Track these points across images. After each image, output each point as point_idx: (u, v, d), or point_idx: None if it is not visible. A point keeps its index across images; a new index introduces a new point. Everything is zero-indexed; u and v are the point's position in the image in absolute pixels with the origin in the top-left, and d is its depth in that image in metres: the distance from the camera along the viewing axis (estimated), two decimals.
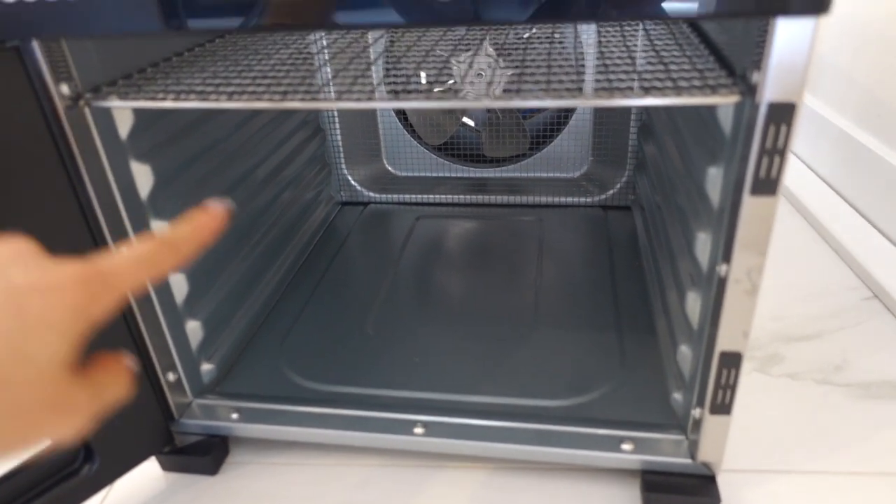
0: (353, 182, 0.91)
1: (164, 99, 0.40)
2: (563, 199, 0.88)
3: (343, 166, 0.90)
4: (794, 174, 0.95)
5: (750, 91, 0.34)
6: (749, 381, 0.59)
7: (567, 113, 0.86)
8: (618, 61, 0.42)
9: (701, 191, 0.43)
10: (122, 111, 0.46)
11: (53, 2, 0.34)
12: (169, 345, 0.51)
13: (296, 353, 0.62)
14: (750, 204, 0.36)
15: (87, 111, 0.42)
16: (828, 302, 0.69)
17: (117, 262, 0.24)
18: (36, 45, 0.38)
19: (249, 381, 0.59)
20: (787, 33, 0.31)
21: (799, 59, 0.32)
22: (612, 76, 0.39)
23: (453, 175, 0.92)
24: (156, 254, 0.25)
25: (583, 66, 0.43)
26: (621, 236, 0.80)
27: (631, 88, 0.36)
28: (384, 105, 0.39)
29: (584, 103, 0.36)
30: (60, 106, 0.40)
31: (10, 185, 0.39)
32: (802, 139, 0.98)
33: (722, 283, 0.39)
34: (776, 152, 0.34)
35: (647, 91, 0.35)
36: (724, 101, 0.35)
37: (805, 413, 0.56)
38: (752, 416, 0.55)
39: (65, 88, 0.40)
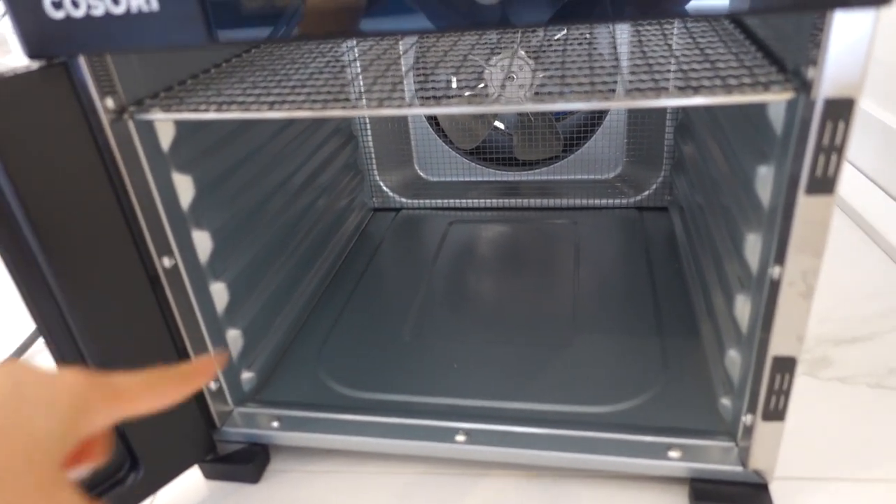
0: (385, 188, 0.91)
1: (206, 111, 0.41)
2: (597, 202, 0.86)
3: (375, 172, 0.90)
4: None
5: (805, 87, 0.33)
6: (798, 385, 0.57)
7: (601, 113, 0.85)
8: (661, 60, 0.41)
9: (750, 191, 0.42)
10: (164, 123, 0.46)
11: (100, 17, 0.35)
12: (211, 354, 0.52)
13: (334, 360, 0.62)
14: (805, 204, 0.35)
15: (130, 124, 0.42)
16: (879, 303, 0.67)
17: (127, 379, 0.25)
18: (82, 60, 0.38)
19: (289, 390, 0.59)
20: (845, 27, 0.30)
21: (858, 54, 0.31)
22: (656, 76, 0.38)
23: (485, 179, 0.91)
24: (163, 382, 0.26)
25: (617, 66, 0.42)
26: (658, 238, 0.78)
27: (677, 87, 0.35)
28: (420, 111, 0.39)
29: (628, 104, 0.35)
30: (105, 120, 0.41)
31: (63, 198, 0.39)
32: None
33: (775, 285, 0.38)
34: (833, 150, 0.33)
35: (695, 90, 0.35)
36: (778, 99, 0.34)
37: (858, 418, 0.54)
38: (802, 421, 0.54)
39: (110, 102, 0.41)
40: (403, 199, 0.92)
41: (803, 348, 0.62)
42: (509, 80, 0.78)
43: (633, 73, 0.39)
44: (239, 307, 0.56)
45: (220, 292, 0.53)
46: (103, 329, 0.43)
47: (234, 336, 0.55)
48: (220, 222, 0.53)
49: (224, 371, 0.54)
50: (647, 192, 0.84)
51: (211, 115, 0.40)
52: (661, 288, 0.68)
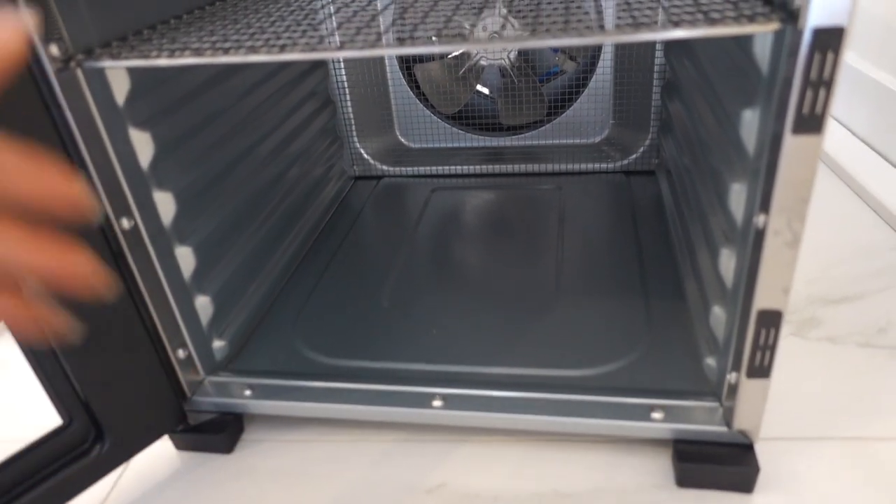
0: (365, 155, 0.89)
1: (157, 56, 0.38)
2: (583, 166, 0.84)
3: (355, 139, 0.88)
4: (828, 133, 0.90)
5: (791, 17, 0.31)
6: (786, 346, 0.56)
7: (586, 75, 0.82)
8: (649, 3, 0.39)
9: (735, 138, 0.40)
10: (118, 75, 0.43)
11: None
12: (178, 321, 0.50)
13: (310, 328, 0.60)
14: (792, 144, 0.33)
15: (79, 73, 0.40)
16: (869, 263, 0.65)
17: None
18: (22, 2, 0.36)
19: (263, 358, 0.57)
20: None
21: None
22: (636, 13, 0.36)
23: (469, 145, 0.89)
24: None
25: (602, 18, 0.39)
26: (645, 201, 0.76)
27: (655, 23, 0.33)
28: (389, 52, 0.37)
29: (608, 39, 0.33)
30: (51, 68, 0.38)
31: None
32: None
33: (760, 235, 0.36)
34: (822, 84, 0.31)
35: (676, 24, 0.32)
36: (763, 30, 0.31)
37: (847, 378, 0.52)
38: (790, 381, 0.52)
39: (54, 49, 0.38)
40: (385, 167, 0.89)
41: (792, 308, 0.60)
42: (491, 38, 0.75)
43: (619, 18, 0.37)
44: (208, 272, 0.54)
45: (186, 256, 0.50)
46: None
47: (203, 303, 0.53)
48: (184, 183, 0.51)
49: (193, 339, 0.52)
50: (634, 156, 0.82)
51: (163, 62, 0.38)
52: (646, 250, 0.66)
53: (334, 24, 0.45)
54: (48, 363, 0.42)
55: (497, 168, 0.87)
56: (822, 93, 0.31)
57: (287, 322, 0.61)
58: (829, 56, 0.30)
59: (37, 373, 0.43)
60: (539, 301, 0.61)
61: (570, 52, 0.83)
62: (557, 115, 0.85)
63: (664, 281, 0.61)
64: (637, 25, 0.33)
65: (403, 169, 0.89)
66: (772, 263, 0.37)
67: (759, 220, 0.36)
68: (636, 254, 0.66)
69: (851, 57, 0.89)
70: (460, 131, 0.88)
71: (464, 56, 0.83)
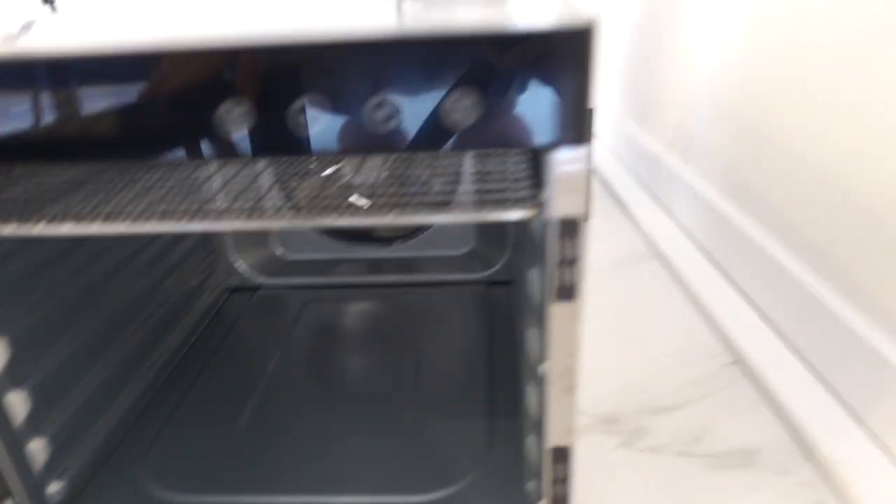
0: (242, 267, 0.91)
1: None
2: (451, 277, 0.90)
3: (231, 251, 0.90)
4: (671, 239, 1.00)
5: (543, 207, 0.37)
6: (614, 458, 0.61)
7: (452, 192, 0.88)
8: (450, 177, 0.45)
9: (526, 290, 0.45)
10: None
11: None
12: (6, 469, 0.49)
13: (164, 459, 0.60)
14: (555, 309, 0.38)
15: None
16: (693, 370, 0.72)
17: None
18: None
19: (108, 498, 0.56)
20: (563, 158, 0.34)
21: (578, 180, 0.35)
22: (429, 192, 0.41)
23: (344, 256, 0.93)
24: None
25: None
26: (505, 312, 0.82)
27: (429, 203, 0.38)
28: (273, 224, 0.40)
29: (378, 222, 0.38)
30: None
31: None
32: (681, 204, 1.05)
33: (544, 380, 0.41)
34: (569, 263, 0.37)
35: (441, 207, 0.38)
36: (518, 216, 0.37)
37: (664, 489, 0.57)
38: (615, 496, 0.57)
39: None
40: (262, 279, 0.91)
41: (623, 419, 0.66)
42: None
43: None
44: (48, 412, 0.53)
45: (18, 402, 0.50)
46: None
47: (38, 447, 0.52)
48: (25, 324, 0.51)
49: (24, 486, 0.50)
50: (496, 268, 0.88)
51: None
52: (497, 366, 0.71)
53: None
54: None
55: (372, 279, 0.90)
56: (571, 269, 0.37)
57: (139, 453, 0.61)
58: (571, 241, 0.36)
59: None
60: (395, 419, 0.63)
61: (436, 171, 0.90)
62: (426, 229, 0.90)
63: (509, 398, 0.65)
64: (411, 206, 0.38)
65: (280, 280, 0.91)
66: (555, 406, 0.41)
67: (543, 367, 0.41)
68: (488, 369, 0.70)
69: (688, 172, 1.01)
70: (336, 243, 0.92)
71: (337, 173, 0.88)
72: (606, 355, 0.76)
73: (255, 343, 0.79)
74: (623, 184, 1.18)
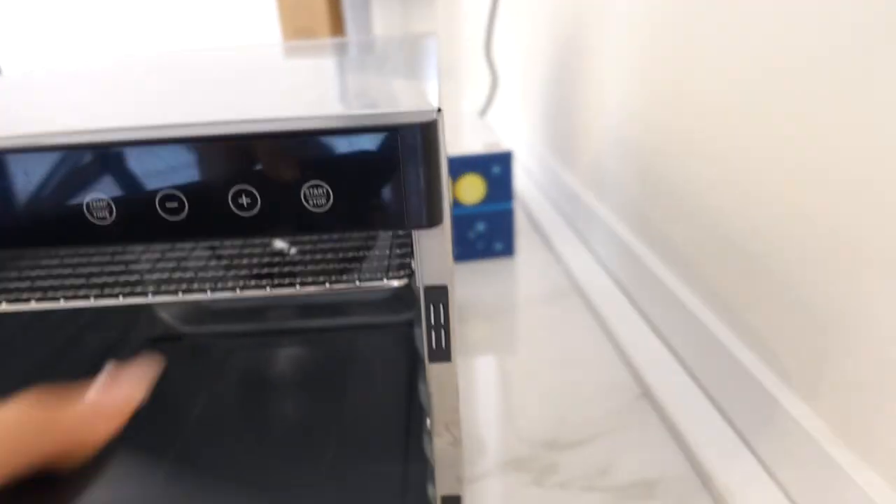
0: (165, 317, 0.90)
1: None
2: (377, 319, 0.91)
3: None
4: (591, 274, 1.04)
5: (413, 276, 0.39)
6: (525, 497, 0.63)
7: (372, 240, 0.91)
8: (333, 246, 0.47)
9: (417, 346, 0.48)
10: None
11: None
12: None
13: None
14: (432, 369, 0.41)
15: None
16: (603, 403, 0.75)
17: (65, 414, 0.28)
18: None
19: None
20: (424, 234, 0.37)
21: (440, 253, 0.37)
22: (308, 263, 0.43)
23: (271, 302, 0.94)
24: (98, 414, 0.28)
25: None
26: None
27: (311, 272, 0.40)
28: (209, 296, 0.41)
29: (274, 293, 0.39)
30: None
31: None
32: (598, 241, 1.09)
33: (431, 433, 0.43)
34: (440, 327, 0.39)
35: (323, 277, 0.40)
36: (391, 285, 0.39)
37: None
38: None
39: None
40: (186, 328, 0.91)
41: (535, 456, 0.68)
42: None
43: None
44: None
45: None
46: None
47: None
48: None
49: None
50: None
51: None
52: (416, 410, 0.73)
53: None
54: None
55: (299, 324, 0.92)
56: (442, 333, 0.39)
57: None
58: (440, 307, 0.39)
59: None
60: (312, 467, 0.64)
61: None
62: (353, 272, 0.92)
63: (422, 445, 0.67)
64: (290, 276, 0.40)
65: (203, 328, 0.91)
66: (442, 459, 0.43)
67: (428, 421, 0.43)
68: (406, 414, 0.72)
69: (603, 209, 1.06)
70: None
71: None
72: (524, 392, 0.79)
73: (176, 394, 0.79)
74: (549, 219, 1.22)
